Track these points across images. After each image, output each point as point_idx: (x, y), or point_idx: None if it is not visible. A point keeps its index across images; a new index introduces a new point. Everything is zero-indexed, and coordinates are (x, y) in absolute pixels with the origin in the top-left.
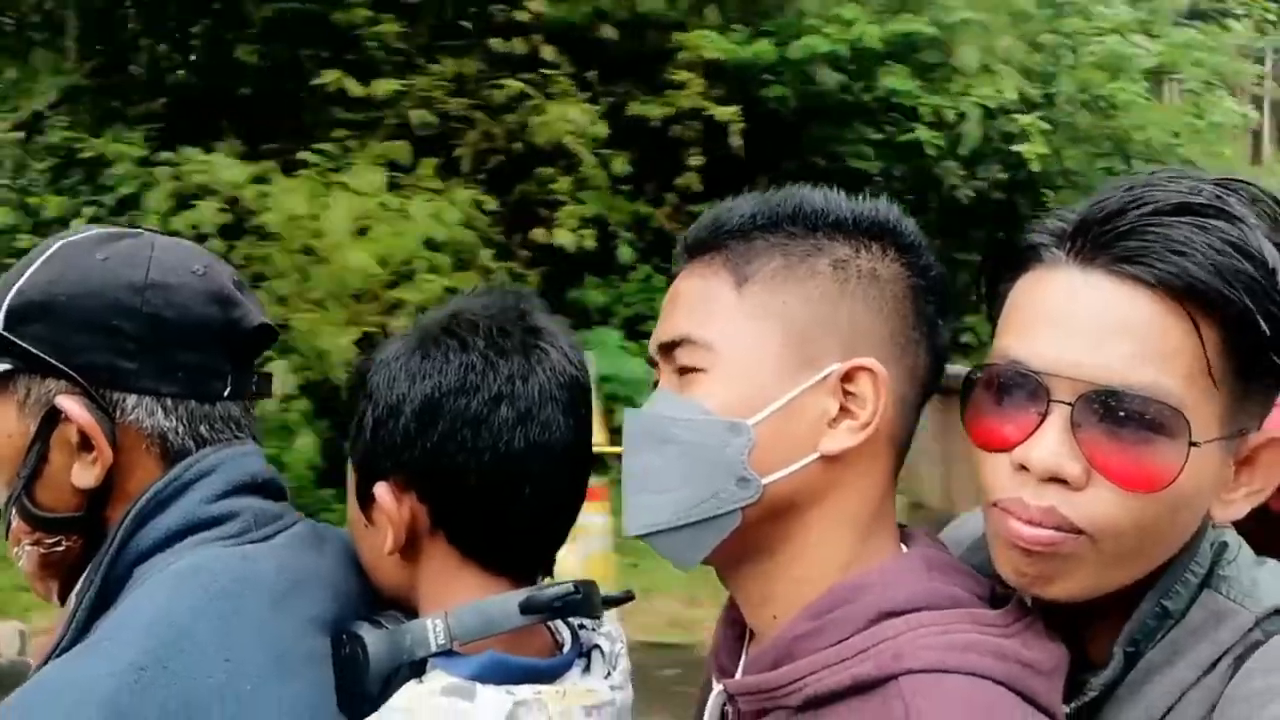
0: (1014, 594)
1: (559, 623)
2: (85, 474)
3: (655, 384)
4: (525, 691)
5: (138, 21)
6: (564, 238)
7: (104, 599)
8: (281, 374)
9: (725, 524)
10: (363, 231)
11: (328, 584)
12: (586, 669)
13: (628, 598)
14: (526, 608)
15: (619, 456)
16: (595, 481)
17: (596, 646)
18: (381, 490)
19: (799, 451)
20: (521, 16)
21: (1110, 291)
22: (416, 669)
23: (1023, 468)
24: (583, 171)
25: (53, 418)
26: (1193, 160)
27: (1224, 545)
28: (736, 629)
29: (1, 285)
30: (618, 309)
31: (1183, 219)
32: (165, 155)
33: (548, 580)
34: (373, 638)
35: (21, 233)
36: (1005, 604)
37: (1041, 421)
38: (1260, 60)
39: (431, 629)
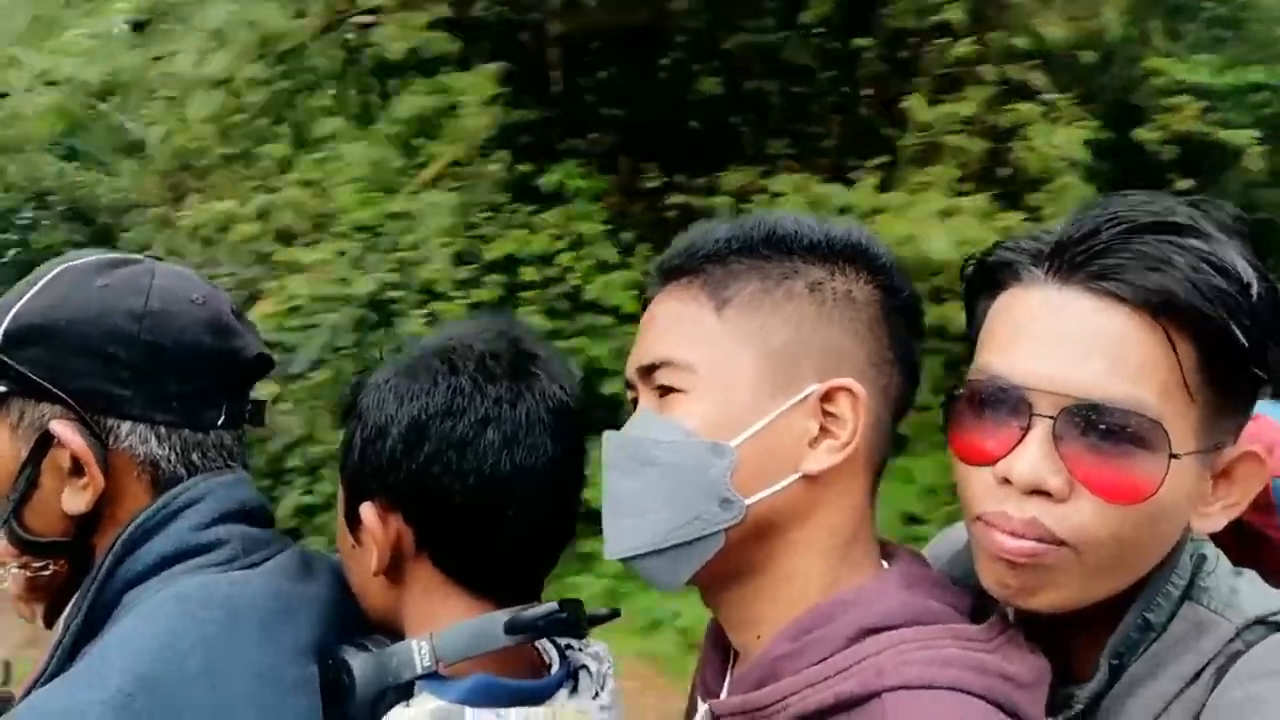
0: (996, 607)
1: (546, 643)
2: (76, 499)
3: (634, 403)
4: (514, 715)
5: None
6: None
7: (91, 625)
8: None
9: (709, 546)
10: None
11: (316, 610)
12: (574, 690)
13: (613, 615)
14: (512, 628)
15: None
16: None
17: (584, 667)
18: (367, 510)
19: (781, 472)
20: (1020, 42)
21: (1088, 307)
22: (403, 692)
23: (1006, 481)
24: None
25: (45, 442)
26: None
27: (1203, 557)
28: (721, 650)
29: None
30: None
31: (1159, 237)
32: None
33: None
34: (359, 661)
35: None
36: (987, 617)
37: (1024, 435)
38: None
39: (417, 651)
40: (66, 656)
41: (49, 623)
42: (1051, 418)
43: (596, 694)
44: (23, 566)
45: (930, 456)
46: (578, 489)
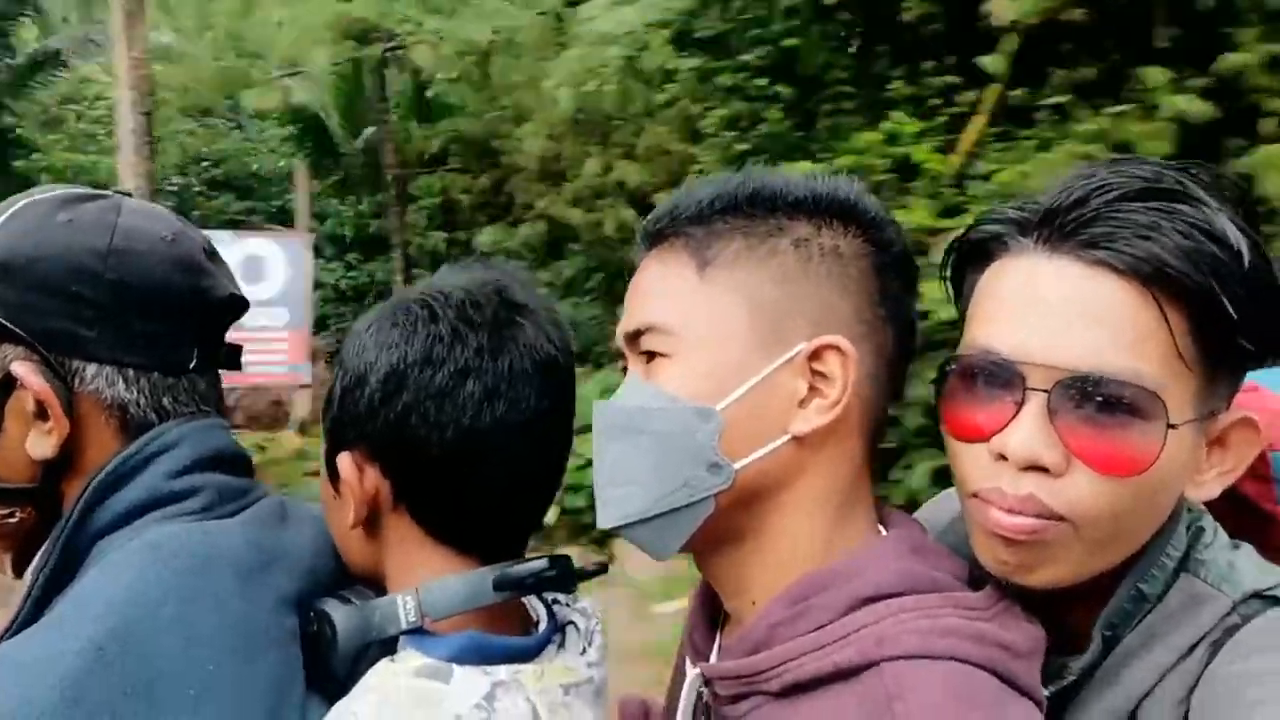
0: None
1: (534, 599)
2: (41, 444)
3: (625, 370)
4: (503, 672)
5: None
6: None
7: (62, 575)
8: None
9: (699, 512)
10: None
11: (296, 560)
12: (561, 645)
13: (601, 570)
14: (500, 584)
15: None
16: None
17: (571, 623)
18: (344, 461)
19: (769, 434)
20: None
21: (1079, 277)
22: (387, 647)
23: (1001, 457)
24: None
25: (8, 384)
26: None
27: (1200, 530)
28: (709, 610)
29: None
30: None
31: (1148, 204)
32: None
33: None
34: (341, 614)
35: None
36: (983, 584)
37: (1018, 410)
38: None
39: (401, 605)
40: (36, 607)
41: (18, 572)
42: (1046, 391)
43: (584, 650)
44: None
45: None
46: (564, 445)
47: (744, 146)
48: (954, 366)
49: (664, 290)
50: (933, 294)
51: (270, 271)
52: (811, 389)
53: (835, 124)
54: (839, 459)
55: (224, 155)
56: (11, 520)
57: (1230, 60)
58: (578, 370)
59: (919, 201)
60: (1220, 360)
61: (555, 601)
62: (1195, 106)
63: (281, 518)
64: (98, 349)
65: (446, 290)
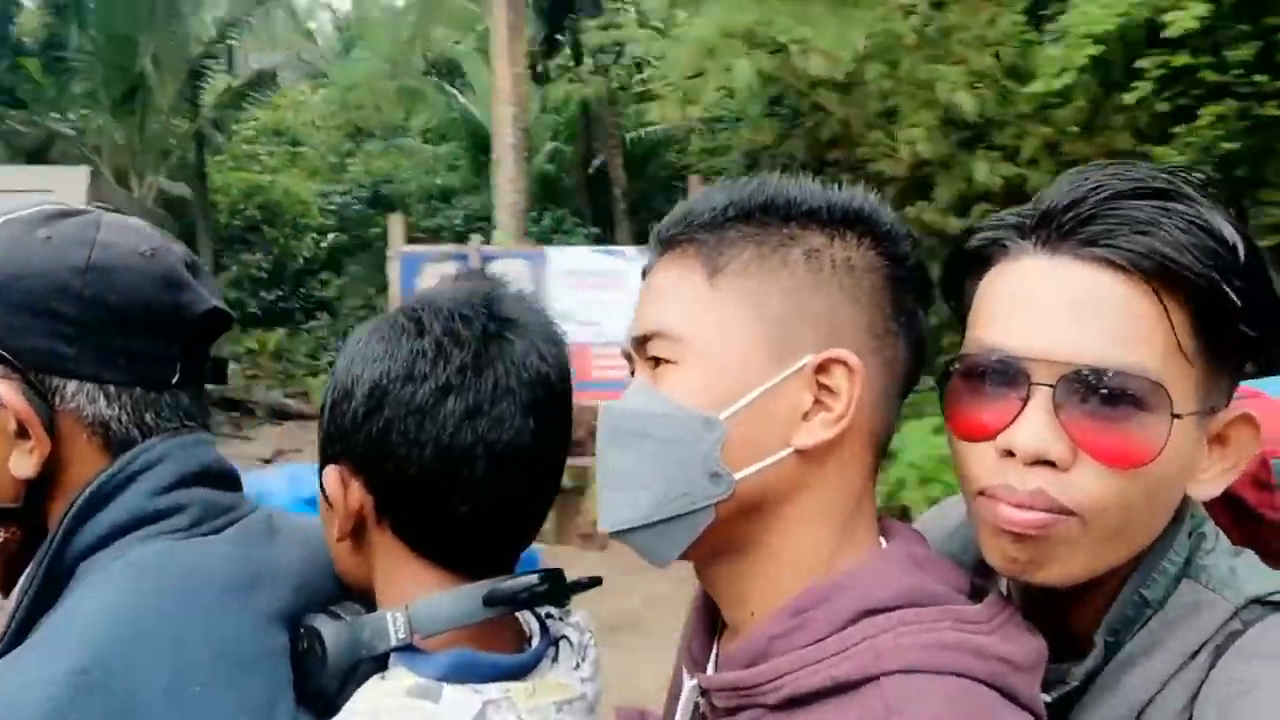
0: (993, 587)
1: (527, 614)
2: (23, 463)
3: (632, 375)
4: (494, 690)
5: None
6: None
7: (47, 596)
8: None
9: (698, 520)
10: None
11: (284, 576)
12: (555, 659)
13: (594, 583)
14: (491, 600)
15: None
16: None
17: (564, 637)
18: (329, 474)
19: (772, 446)
20: None
21: (1080, 274)
22: (378, 664)
23: (1008, 453)
24: None
25: None
26: None
27: (1202, 536)
28: (708, 619)
29: None
30: None
31: (1145, 201)
32: None
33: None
34: (331, 631)
35: None
36: (984, 596)
37: (1024, 406)
38: None
39: (391, 622)
40: (22, 629)
41: (6, 592)
42: (1051, 386)
43: (578, 665)
44: None
45: None
46: (556, 463)
47: (1231, 146)
48: (957, 367)
49: (673, 296)
50: None
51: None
52: (816, 402)
53: None
54: (842, 473)
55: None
56: None
57: None
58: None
59: None
60: (1220, 354)
61: (549, 616)
62: None
63: (270, 533)
64: (78, 366)
65: (435, 304)
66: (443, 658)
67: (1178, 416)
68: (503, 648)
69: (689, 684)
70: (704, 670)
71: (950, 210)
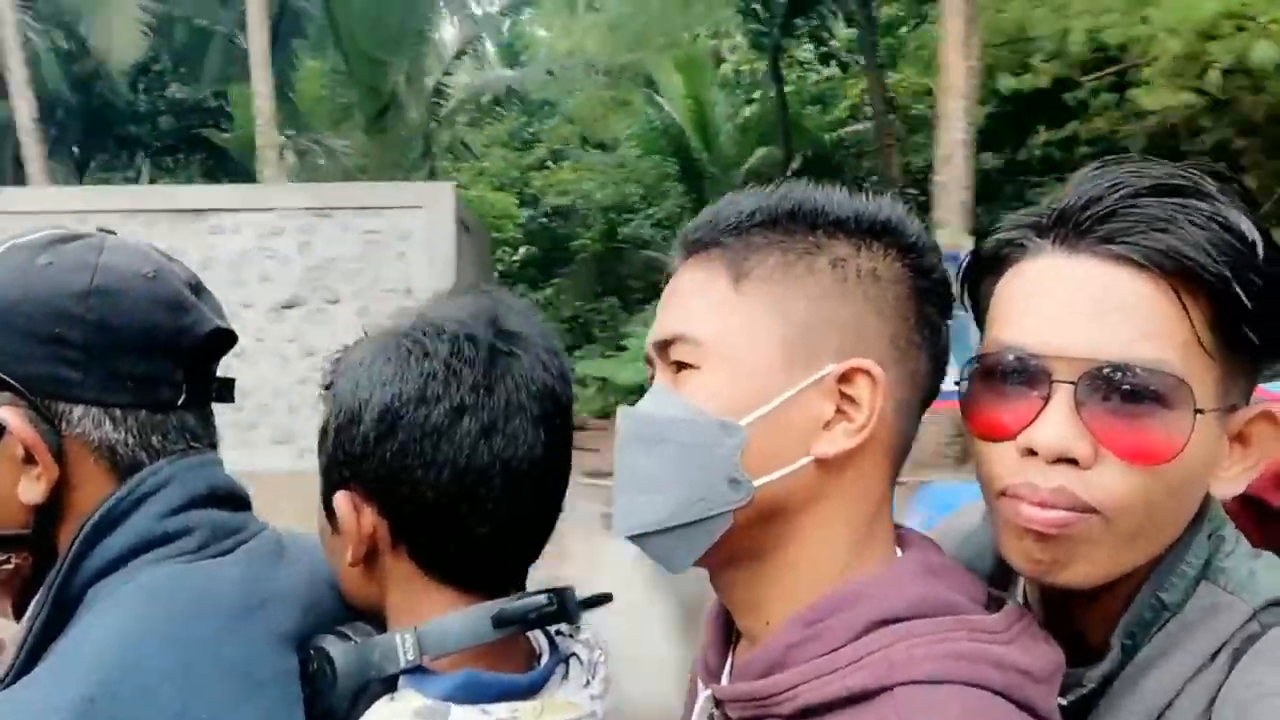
0: (1010, 598)
1: (537, 632)
2: (31, 489)
3: (653, 379)
4: (502, 710)
5: None
6: None
7: (57, 621)
8: None
9: (716, 527)
10: None
11: (293, 597)
12: (565, 677)
13: (604, 599)
14: (499, 621)
15: None
16: None
17: (574, 654)
18: (341, 500)
19: (792, 454)
20: None
21: (1099, 271)
22: (388, 685)
23: (1030, 452)
24: None
25: None
26: None
27: (1221, 538)
28: (723, 629)
29: None
30: None
31: (1163, 199)
32: None
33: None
34: (340, 651)
35: None
36: (1000, 606)
37: (1045, 404)
38: None
39: (400, 644)
40: (31, 655)
41: (18, 617)
42: (1072, 383)
43: (587, 682)
44: None
45: None
46: (563, 476)
47: None
48: (977, 367)
49: (697, 301)
50: None
51: None
52: (838, 411)
53: None
54: (861, 484)
55: None
56: (8, 566)
57: None
58: None
59: None
60: (1239, 351)
61: (559, 633)
62: None
63: (279, 554)
64: (83, 391)
65: (439, 323)
66: (450, 678)
67: (1200, 412)
68: (512, 667)
69: (703, 694)
70: (719, 681)
71: None
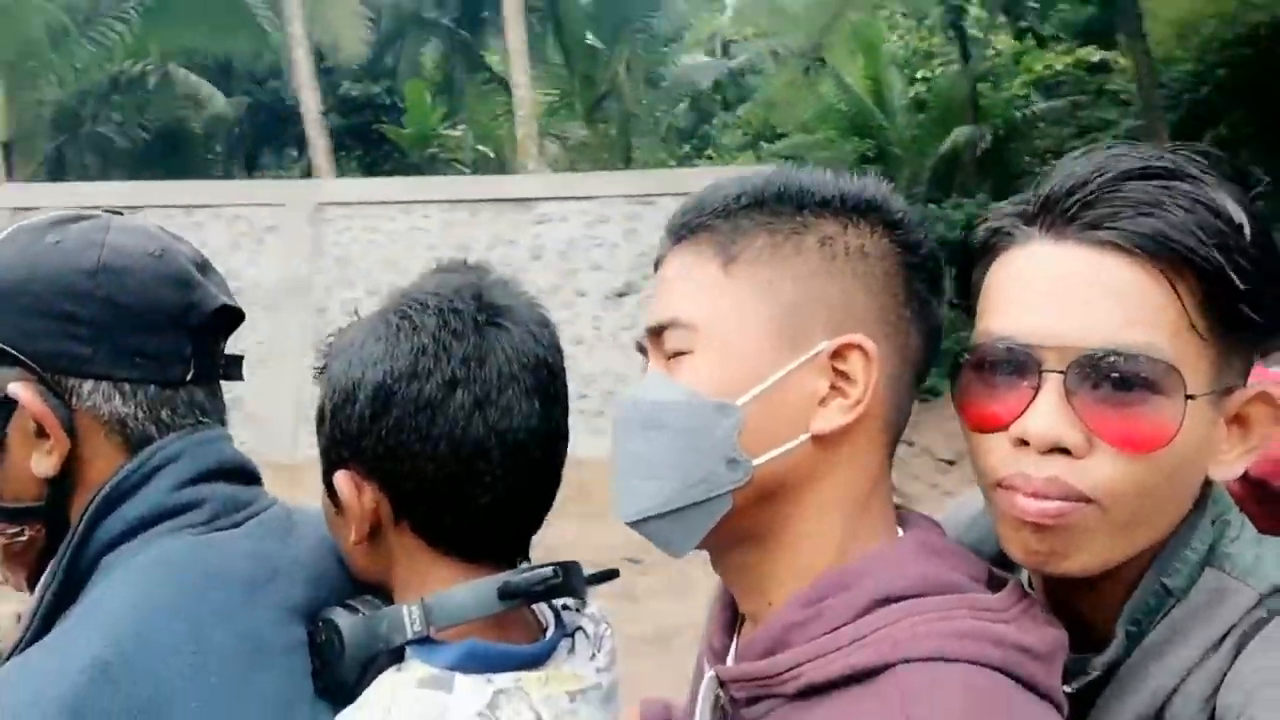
0: (1012, 577)
1: (543, 606)
2: (44, 463)
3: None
4: (505, 679)
5: None
6: None
7: (69, 591)
8: None
9: (716, 508)
10: None
11: (302, 570)
12: (571, 651)
13: (611, 575)
14: (505, 593)
15: None
16: None
17: (580, 628)
18: (341, 480)
19: (789, 432)
20: None
21: (1086, 258)
22: (395, 656)
23: (1022, 443)
24: None
25: (9, 406)
26: None
27: (1226, 524)
28: (728, 611)
29: None
30: None
31: (1148, 182)
32: None
33: (526, 564)
34: (348, 623)
35: None
36: (1002, 587)
37: (1035, 394)
38: None
39: (408, 616)
40: (45, 623)
41: (31, 588)
42: (1061, 372)
43: (593, 656)
44: None
45: None
46: (560, 444)
47: None
48: (967, 358)
49: (687, 286)
50: None
51: None
52: (833, 388)
53: None
54: (858, 460)
55: None
56: (21, 539)
57: None
58: None
59: None
60: (1232, 333)
61: (565, 608)
62: None
63: (288, 527)
64: (93, 366)
65: (424, 298)
66: (455, 648)
67: (1191, 398)
68: (517, 638)
69: (708, 675)
70: (724, 662)
71: None
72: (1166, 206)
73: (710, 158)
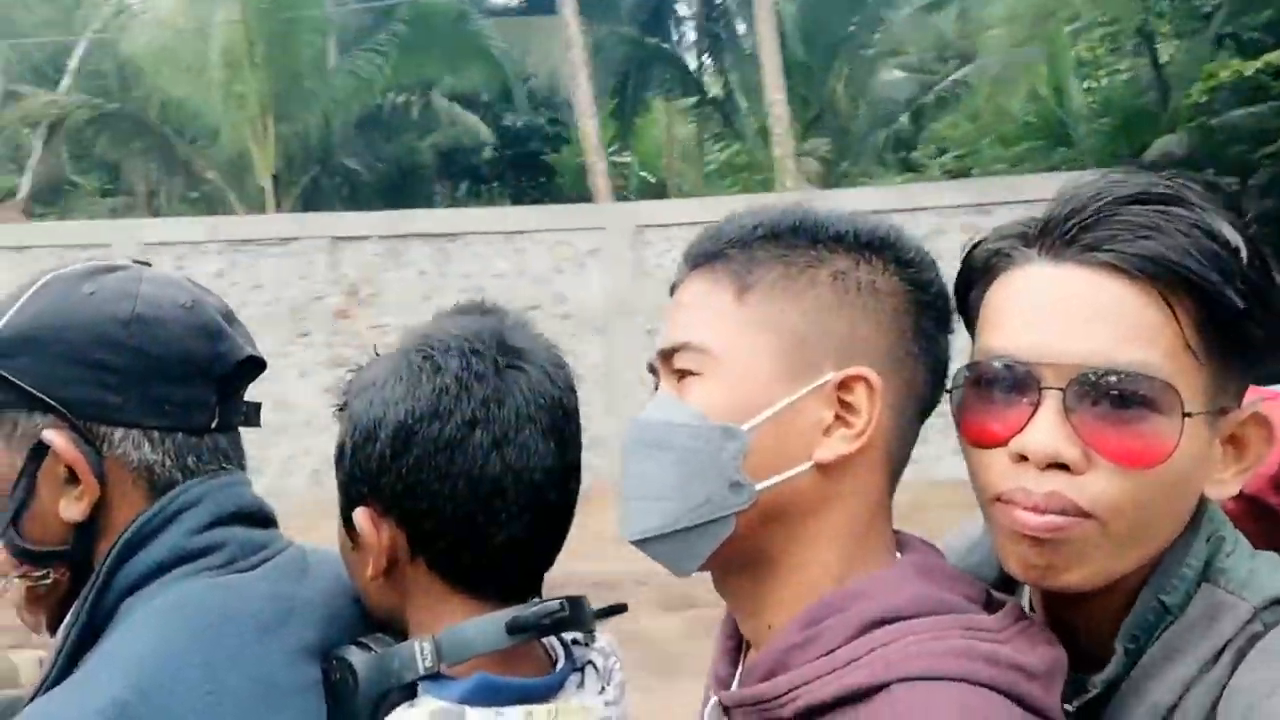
0: (1010, 598)
1: (553, 640)
2: (72, 508)
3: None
4: (515, 713)
5: None
6: None
7: (91, 633)
8: None
9: (719, 530)
10: None
11: (316, 610)
12: (580, 684)
13: (619, 609)
14: (513, 627)
15: None
16: None
17: (590, 662)
18: (360, 516)
19: (793, 459)
20: None
21: (1085, 279)
22: (407, 692)
23: (1022, 458)
24: None
25: (40, 451)
26: None
27: (1221, 539)
28: (734, 639)
29: None
30: None
31: (1146, 207)
32: None
33: (537, 600)
34: (361, 661)
35: None
36: (1001, 609)
37: (1035, 411)
38: None
39: (419, 652)
40: (67, 665)
41: (53, 631)
42: (1060, 389)
43: (603, 689)
44: (23, 576)
45: None
46: (573, 483)
47: None
48: (967, 375)
49: (701, 311)
50: None
51: None
52: (837, 418)
53: None
54: (860, 489)
55: None
56: (46, 581)
57: None
58: None
59: None
60: (1228, 354)
61: (575, 641)
62: None
63: (303, 568)
64: (124, 414)
65: (445, 339)
66: (466, 682)
67: (1189, 415)
68: (527, 672)
69: (711, 701)
70: (728, 689)
71: None
72: (1164, 230)
73: (918, 170)
